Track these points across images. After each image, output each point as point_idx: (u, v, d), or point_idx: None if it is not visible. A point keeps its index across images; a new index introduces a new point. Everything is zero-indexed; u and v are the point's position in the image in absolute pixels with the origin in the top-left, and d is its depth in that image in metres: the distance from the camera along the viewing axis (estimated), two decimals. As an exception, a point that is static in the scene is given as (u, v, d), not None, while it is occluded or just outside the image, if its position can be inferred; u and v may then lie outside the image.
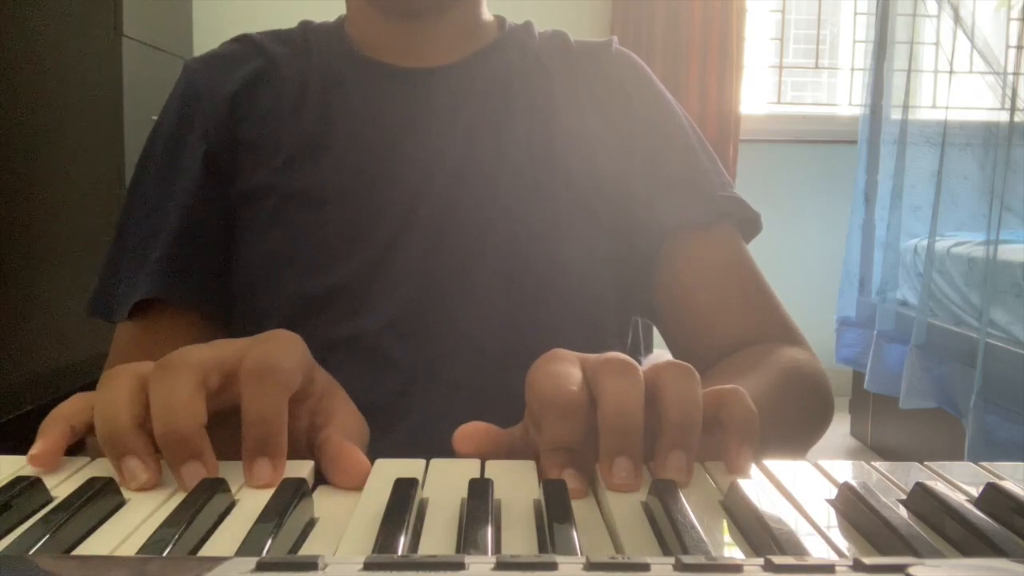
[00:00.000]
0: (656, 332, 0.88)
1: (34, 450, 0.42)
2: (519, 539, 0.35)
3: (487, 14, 0.82)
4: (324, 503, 0.39)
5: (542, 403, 0.43)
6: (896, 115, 2.80)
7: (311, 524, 0.38)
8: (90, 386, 0.72)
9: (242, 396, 0.43)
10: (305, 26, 0.81)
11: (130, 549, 0.34)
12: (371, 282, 0.72)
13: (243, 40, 0.80)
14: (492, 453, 0.46)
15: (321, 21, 0.83)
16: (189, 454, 0.41)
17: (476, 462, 0.44)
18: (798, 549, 0.32)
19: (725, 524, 0.37)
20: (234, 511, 0.38)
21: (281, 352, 0.44)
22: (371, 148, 0.74)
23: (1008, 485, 0.38)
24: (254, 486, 0.41)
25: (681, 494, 0.37)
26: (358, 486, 0.42)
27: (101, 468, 0.43)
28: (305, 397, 0.46)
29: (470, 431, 0.47)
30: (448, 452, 0.45)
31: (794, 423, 0.68)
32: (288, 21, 0.84)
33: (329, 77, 0.76)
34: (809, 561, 0.28)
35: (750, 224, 0.80)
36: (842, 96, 3.59)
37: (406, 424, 0.69)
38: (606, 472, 0.40)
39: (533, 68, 0.79)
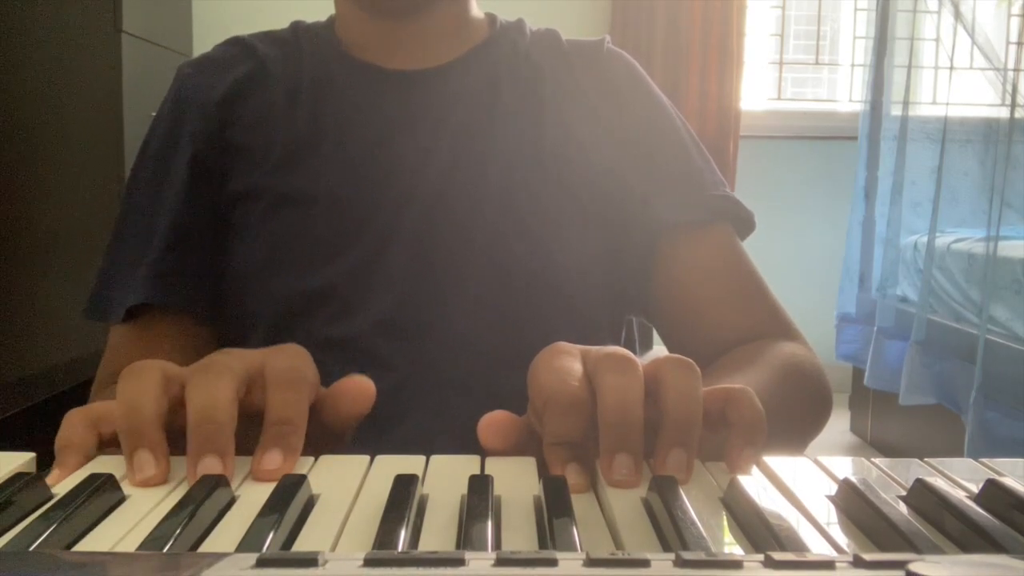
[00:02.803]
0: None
1: (52, 481, 0.42)
2: (519, 535, 0.35)
3: (477, 11, 0.82)
4: (325, 499, 0.39)
5: (545, 398, 0.43)
6: (896, 111, 2.80)
7: (311, 520, 0.37)
8: (89, 383, 0.72)
9: (269, 398, 0.44)
10: (296, 27, 0.82)
11: (130, 545, 0.34)
12: (362, 282, 0.72)
13: (235, 43, 0.81)
14: (515, 444, 0.46)
15: (313, 21, 0.83)
16: (214, 449, 0.41)
17: (476, 458, 0.44)
18: (798, 545, 0.32)
19: (725, 520, 0.37)
20: (235, 507, 0.38)
21: (304, 363, 0.47)
22: (361, 149, 0.74)
23: (1008, 481, 0.37)
24: (261, 474, 0.41)
25: (681, 490, 0.37)
26: (367, 403, 0.47)
27: (101, 465, 0.43)
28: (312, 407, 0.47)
29: (494, 421, 0.47)
30: (443, 452, 0.45)
31: (793, 418, 0.68)
32: (287, 15, 0.84)
33: (320, 79, 0.77)
34: (809, 557, 0.28)
35: (744, 223, 0.80)
36: (842, 92, 3.59)
37: (401, 424, 0.69)
38: (606, 468, 0.40)
39: (524, 67, 0.79)
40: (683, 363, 0.44)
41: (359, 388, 0.48)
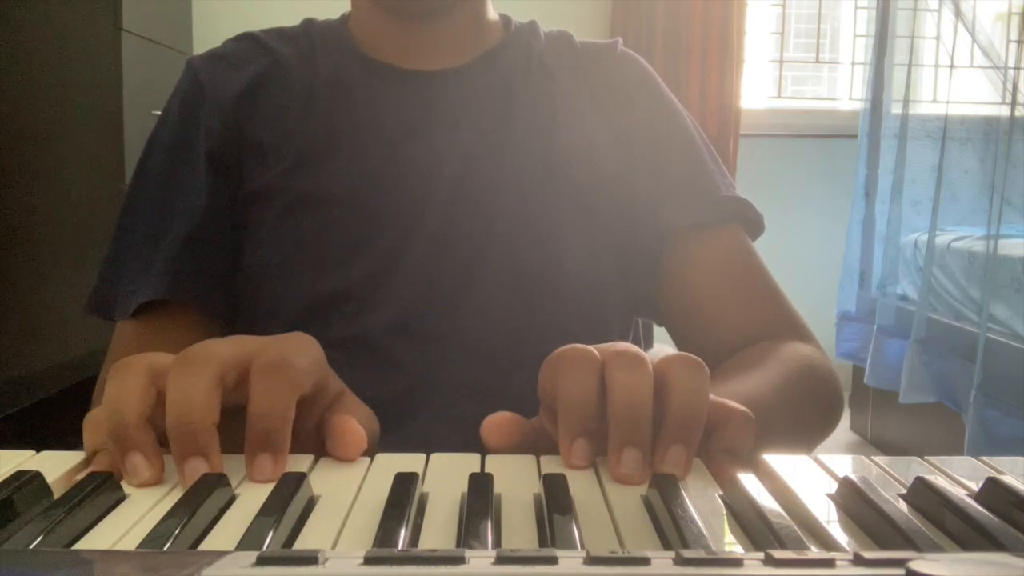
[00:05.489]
0: (658, 328, 0.88)
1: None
2: (519, 533, 0.35)
3: (492, 13, 0.82)
4: (325, 498, 0.39)
5: (560, 396, 0.43)
6: (896, 109, 2.79)
7: (311, 518, 0.37)
8: (90, 381, 0.72)
9: (250, 390, 0.43)
10: (309, 25, 0.81)
11: (130, 544, 0.34)
12: (377, 284, 0.72)
13: (247, 39, 0.80)
14: (518, 444, 0.46)
15: (324, 19, 0.82)
16: (196, 450, 0.41)
17: (476, 456, 0.44)
18: (798, 544, 0.32)
19: (725, 519, 0.37)
20: (234, 505, 0.38)
21: (295, 352, 0.45)
22: (377, 151, 0.74)
23: (1008, 479, 0.38)
24: (255, 481, 0.41)
25: (682, 488, 0.37)
26: (354, 456, 0.44)
27: (101, 463, 0.43)
28: (318, 399, 0.47)
29: (498, 421, 0.47)
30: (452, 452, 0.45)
31: (803, 418, 0.68)
32: (287, 15, 0.84)
33: (335, 79, 0.76)
34: (809, 556, 0.28)
35: (754, 225, 0.80)
36: (843, 90, 3.59)
37: (411, 425, 0.69)
38: (614, 463, 0.41)
39: (537, 69, 0.79)
40: (691, 362, 0.44)
41: (352, 440, 0.45)
